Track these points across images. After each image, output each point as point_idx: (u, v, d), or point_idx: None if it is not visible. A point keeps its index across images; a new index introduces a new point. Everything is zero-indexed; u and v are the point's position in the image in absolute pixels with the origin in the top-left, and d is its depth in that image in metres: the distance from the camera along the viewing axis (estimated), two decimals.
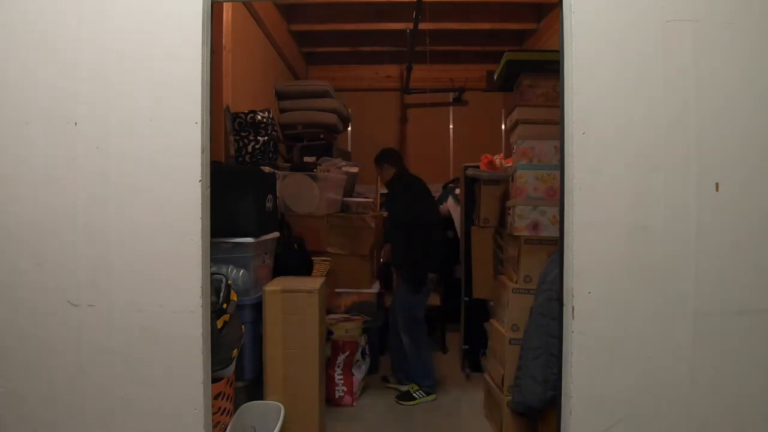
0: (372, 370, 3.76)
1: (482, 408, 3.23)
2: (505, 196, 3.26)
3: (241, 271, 2.54)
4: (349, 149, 5.99)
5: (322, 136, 4.67)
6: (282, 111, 4.58)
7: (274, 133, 3.48)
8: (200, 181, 1.74)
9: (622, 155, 1.73)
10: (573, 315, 1.73)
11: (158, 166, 1.74)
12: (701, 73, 1.73)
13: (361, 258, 3.91)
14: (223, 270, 2.46)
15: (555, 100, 2.48)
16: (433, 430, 3.09)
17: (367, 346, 3.65)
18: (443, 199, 4.88)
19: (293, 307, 2.61)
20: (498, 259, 3.47)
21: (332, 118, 4.59)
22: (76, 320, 1.76)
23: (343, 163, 4.40)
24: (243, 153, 3.32)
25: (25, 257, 1.76)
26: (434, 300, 4.49)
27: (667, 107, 1.73)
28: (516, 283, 2.77)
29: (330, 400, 3.29)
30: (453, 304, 4.14)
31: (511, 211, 2.90)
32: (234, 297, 2.33)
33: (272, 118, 3.49)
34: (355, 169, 4.43)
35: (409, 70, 5.31)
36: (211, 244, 1.84)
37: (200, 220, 1.74)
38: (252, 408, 2.50)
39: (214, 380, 1.97)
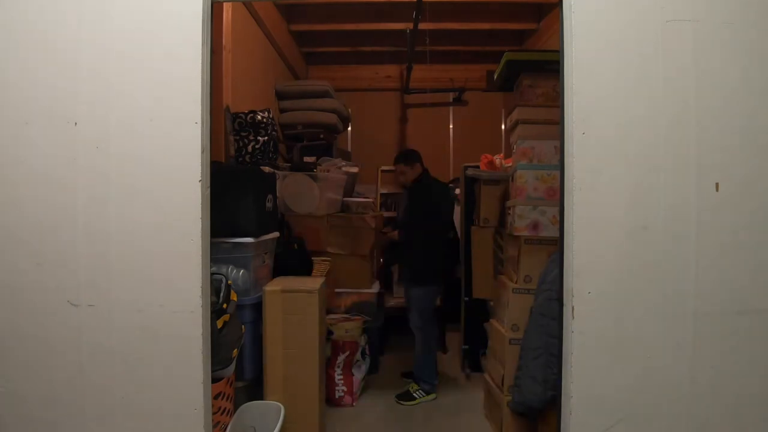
0: (372, 370, 3.76)
1: (482, 408, 3.23)
2: (505, 196, 3.26)
3: (241, 271, 2.54)
4: (349, 149, 5.98)
5: (322, 136, 4.67)
6: (282, 111, 4.58)
7: (274, 133, 3.48)
8: (200, 181, 1.74)
9: (622, 155, 1.73)
10: (573, 315, 1.73)
11: (158, 166, 1.74)
12: (701, 73, 1.73)
13: (361, 258, 3.91)
14: (223, 270, 2.46)
15: (555, 100, 2.48)
16: (433, 430, 3.09)
17: (367, 346, 3.65)
18: None
19: (293, 307, 2.61)
20: (498, 259, 3.47)
21: (332, 118, 4.59)
22: (76, 320, 1.76)
23: (343, 163, 4.39)
24: (243, 153, 3.32)
25: (25, 257, 1.76)
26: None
27: (667, 107, 1.73)
28: (516, 283, 2.77)
29: (330, 400, 3.29)
30: (453, 304, 4.14)
31: (511, 211, 2.90)
32: (234, 297, 2.33)
33: (272, 118, 3.49)
34: (355, 169, 4.43)
35: (409, 70, 5.31)
36: (211, 244, 1.84)
37: (200, 220, 1.74)
38: (252, 408, 2.51)
39: (214, 380, 1.97)
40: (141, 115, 1.74)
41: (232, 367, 2.26)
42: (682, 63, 1.73)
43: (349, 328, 3.47)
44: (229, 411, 2.27)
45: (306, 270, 3.29)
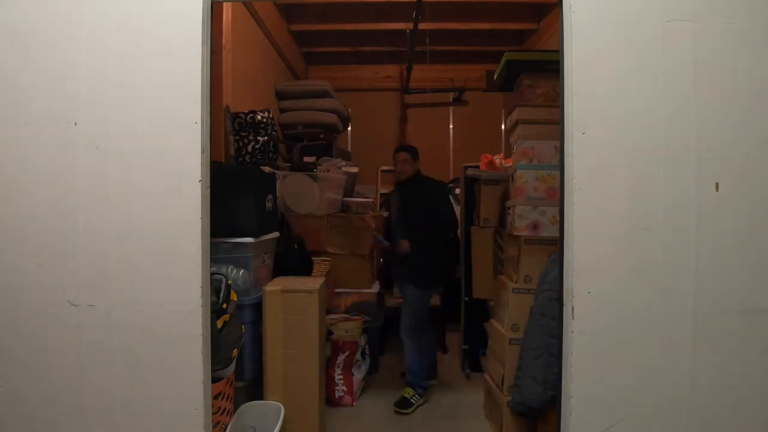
0: (372, 370, 3.76)
1: (482, 408, 3.23)
2: (505, 196, 3.26)
3: (241, 271, 2.54)
4: (349, 149, 5.98)
5: (322, 136, 4.67)
6: (282, 111, 4.58)
7: (274, 133, 3.48)
8: (200, 181, 1.74)
9: (622, 155, 1.73)
10: (573, 315, 1.73)
11: (158, 166, 1.74)
12: (701, 73, 1.73)
13: (361, 258, 3.91)
14: (223, 270, 2.46)
15: (555, 100, 2.48)
16: (433, 430, 3.09)
17: (367, 346, 3.65)
18: None
19: (293, 307, 2.61)
20: (498, 259, 3.47)
21: (332, 118, 4.59)
22: (76, 320, 1.76)
23: (343, 163, 4.39)
24: (243, 153, 3.32)
25: (25, 257, 1.76)
26: (434, 300, 4.49)
27: (668, 107, 1.73)
28: (516, 283, 2.77)
29: (330, 400, 3.29)
30: (453, 304, 4.14)
31: (511, 211, 2.90)
32: (234, 297, 2.33)
33: (272, 118, 3.49)
34: (355, 169, 4.42)
35: (409, 70, 5.31)
36: (211, 244, 1.84)
37: (200, 220, 1.74)
38: (252, 408, 2.51)
39: (214, 380, 1.97)
40: (141, 115, 1.74)
41: (232, 367, 2.26)
42: (682, 63, 1.73)
43: (349, 328, 3.47)
44: (229, 411, 2.27)
45: (306, 270, 3.29)
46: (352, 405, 3.34)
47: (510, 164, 3.31)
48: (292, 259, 3.15)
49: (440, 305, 4.42)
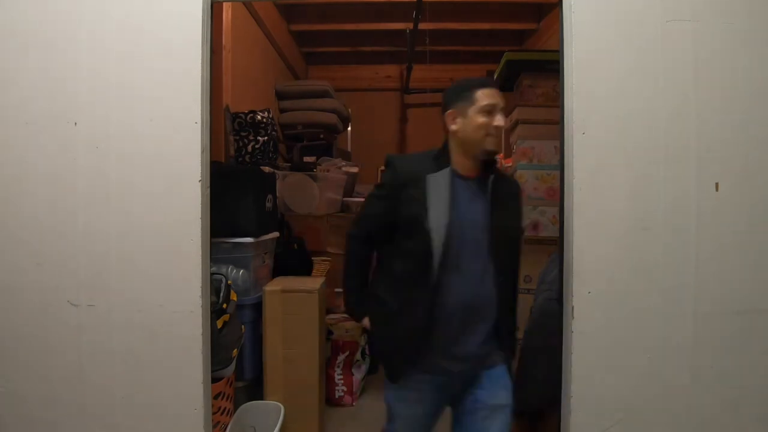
0: (372, 370, 3.75)
1: None
2: None
3: (241, 271, 2.54)
4: (349, 149, 5.98)
5: (322, 136, 4.67)
6: (282, 111, 4.58)
7: (274, 133, 3.48)
8: (200, 181, 1.74)
9: (622, 155, 1.73)
10: (573, 315, 1.73)
11: (158, 166, 1.74)
12: (701, 73, 1.73)
13: None
14: (223, 270, 2.46)
15: (555, 100, 2.48)
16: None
17: (366, 346, 3.65)
18: None
19: (293, 307, 2.61)
20: None
21: (332, 118, 4.59)
22: (76, 320, 1.76)
23: (343, 163, 4.40)
24: (243, 153, 3.32)
25: (25, 257, 1.76)
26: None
27: (668, 107, 1.73)
28: None
29: (330, 400, 3.29)
30: None
31: None
32: (234, 297, 2.33)
33: (272, 118, 3.49)
34: (355, 169, 4.43)
35: (409, 70, 5.31)
36: (211, 244, 1.84)
37: (200, 220, 1.74)
38: (252, 408, 2.51)
39: (214, 380, 1.97)
40: (141, 115, 1.74)
41: (232, 367, 2.26)
42: (682, 63, 1.73)
43: (349, 328, 3.47)
44: (229, 411, 2.27)
45: (306, 270, 3.29)
46: (352, 405, 3.34)
47: (510, 164, 3.31)
48: (292, 259, 3.16)
49: None
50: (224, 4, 3.11)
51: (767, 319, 1.76)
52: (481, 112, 1.67)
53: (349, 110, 5.21)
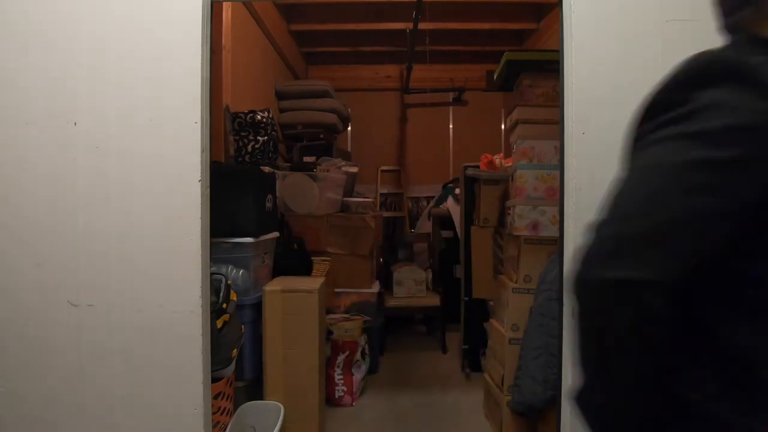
0: (372, 370, 3.76)
1: (482, 408, 3.23)
2: (505, 196, 3.26)
3: (241, 271, 2.54)
4: (349, 149, 5.99)
5: (322, 136, 4.67)
6: (282, 111, 4.58)
7: (273, 133, 3.48)
8: (200, 180, 1.74)
9: (622, 155, 1.72)
10: (573, 315, 1.73)
11: (158, 165, 1.74)
12: None
13: (361, 258, 3.91)
14: (223, 270, 2.46)
15: (555, 100, 2.48)
16: (433, 430, 3.09)
17: (366, 346, 3.65)
18: (443, 198, 4.88)
19: (293, 307, 2.61)
20: (498, 259, 3.47)
21: (332, 118, 4.59)
22: (76, 320, 1.76)
23: (343, 163, 4.40)
24: (243, 153, 3.32)
25: (25, 257, 1.76)
26: (434, 300, 4.50)
27: None
28: (516, 283, 2.77)
29: (330, 400, 3.29)
30: (453, 304, 4.14)
31: (510, 211, 2.90)
32: (234, 297, 2.33)
33: (272, 118, 3.49)
34: (355, 169, 4.43)
35: (409, 70, 5.31)
36: (211, 244, 1.84)
37: (200, 219, 1.74)
38: (252, 408, 2.51)
39: (214, 380, 1.97)
40: (141, 115, 1.74)
41: (232, 367, 2.26)
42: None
43: (349, 328, 3.47)
44: (229, 411, 2.27)
45: (306, 270, 3.29)
46: (352, 405, 3.34)
47: (510, 164, 3.31)
48: (292, 259, 3.15)
49: (440, 305, 4.44)
50: (224, 4, 3.11)
51: None
52: None
53: (349, 110, 5.22)
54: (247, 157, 3.33)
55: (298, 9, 4.82)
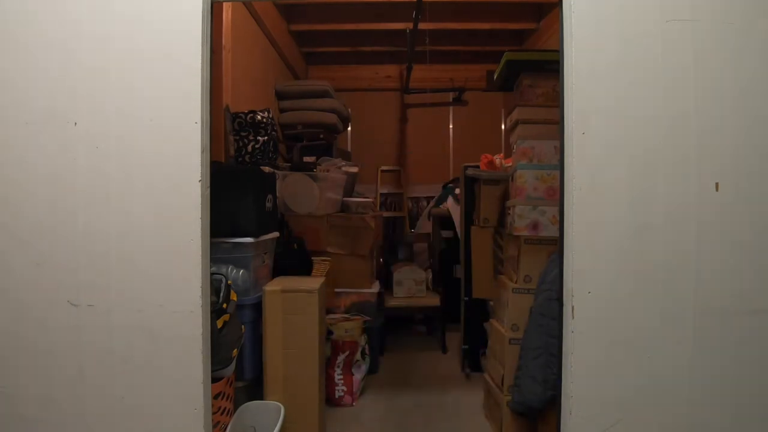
0: (372, 370, 3.76)
1: (482, 408, 3.23)
2: (505, 196, 3.26)
3: (241, 271, 2.54)
4: (349, 149, 5.99)
5: (322, 136, 4.67)
6: (282, 111, 4.58)
7: (274, 133, 3.48)
8: (200, 181, 1.74)
9: (622, 155, 1.73)
10: (573, 315, 1.73)
11: (158, 166, 1.74)
12: (701, 73, 1.73)
13: (361, 258, 3.91)
14: (223, 270, 2.46)
15: (555, 100, 2.48)
16: (433, 430, 3.09)
17: (366, 346, 3.65)
18: (443, 198, 4.88)
19: (293, 307, 2.61)
20: (498, 259, 3.47)
21: (332, 118, 4.59)
22: (76, 320, 1.75)
23: (343, 163, 4.40)
24: (243, 153, 3.32)
25: (25, 257, 1.76)
26: (434, 300, 4.50)
27: (668, 106, 1.73)
28: (516, 283, 2.77)
29: (330, 400, 3.29)
30: (453, 304, 4.14)
31: (510, 211, 2.90)
32: (234, 297, 2.33)
33: (272, 118, 3.49)
34: (355, 169, 4.43)
35: (409, 70, 5.31)
36: (211, 244, 1.83)
37: (200, 220, 1.74)
38: (252, 408, 2.50)
39: (214, 380, 1.97)
40: (141, 115, 1.74)
41: (232, 367, 2.26)
42: (682, 62, 1.73)
43: (349, 328, 3.47)
44: (229, 411, 2.27)
45: (306, 270, 3.29)
46: (352, 405, 3.34)
47: (510, 164, 3.31)
48: (292, 259, 3.15)
49: (440, 305, 4.43)
50: (224, 4, 3.11)
51: (767, 320, 1.76)
52: None
53: (349, 110, 5.22)
54: (247, 157, 3.33)
55: (298, 9, 4.82)
